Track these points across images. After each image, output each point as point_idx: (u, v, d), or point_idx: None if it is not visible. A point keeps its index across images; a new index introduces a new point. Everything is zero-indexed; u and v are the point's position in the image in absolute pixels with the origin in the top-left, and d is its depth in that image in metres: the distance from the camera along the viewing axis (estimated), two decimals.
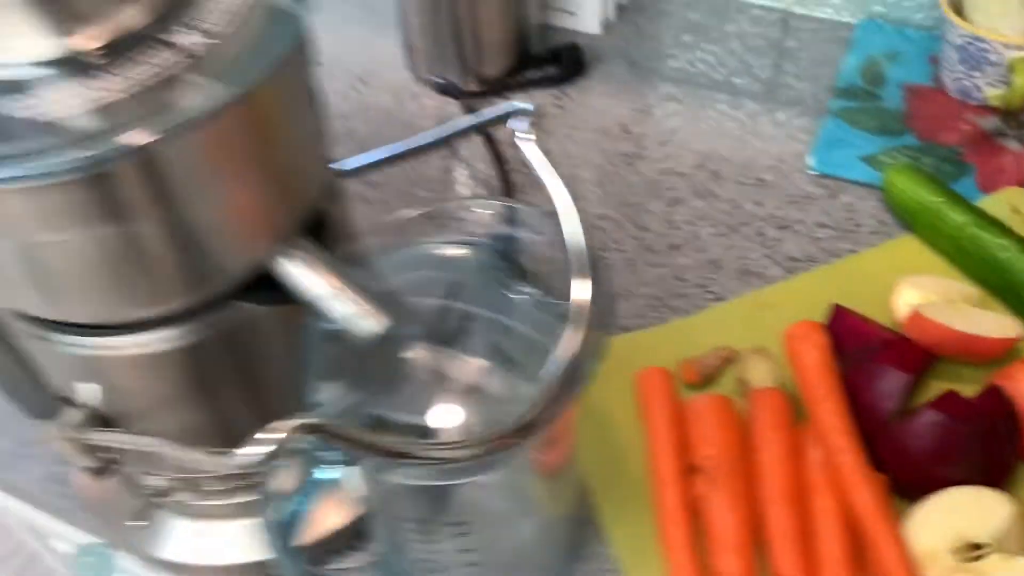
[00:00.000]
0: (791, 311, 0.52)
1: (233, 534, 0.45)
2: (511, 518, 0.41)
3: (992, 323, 0.49)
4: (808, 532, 0.43)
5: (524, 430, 0.31)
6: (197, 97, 0.29)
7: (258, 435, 0.28)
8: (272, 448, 0.27)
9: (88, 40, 0.29)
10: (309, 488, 0.33)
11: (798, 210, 0.60)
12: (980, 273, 0.53)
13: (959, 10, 0.63)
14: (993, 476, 0.43)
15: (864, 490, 0.42)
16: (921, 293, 0.50)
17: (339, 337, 0.35)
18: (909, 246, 0.57)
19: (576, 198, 0.35)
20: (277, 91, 0.32)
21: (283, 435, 0.27)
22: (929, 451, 0.43)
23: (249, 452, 0.28)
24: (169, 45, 0.29)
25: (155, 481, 0.42)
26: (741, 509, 0.44)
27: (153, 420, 0.38)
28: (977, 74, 0.63)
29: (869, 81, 0.68)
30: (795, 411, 0.47)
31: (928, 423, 0.43)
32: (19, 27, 0.29)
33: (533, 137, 0.34)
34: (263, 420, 0.28)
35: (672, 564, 0.43)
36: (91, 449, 0.39)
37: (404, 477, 0.33)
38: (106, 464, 0.40)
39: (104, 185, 0.29)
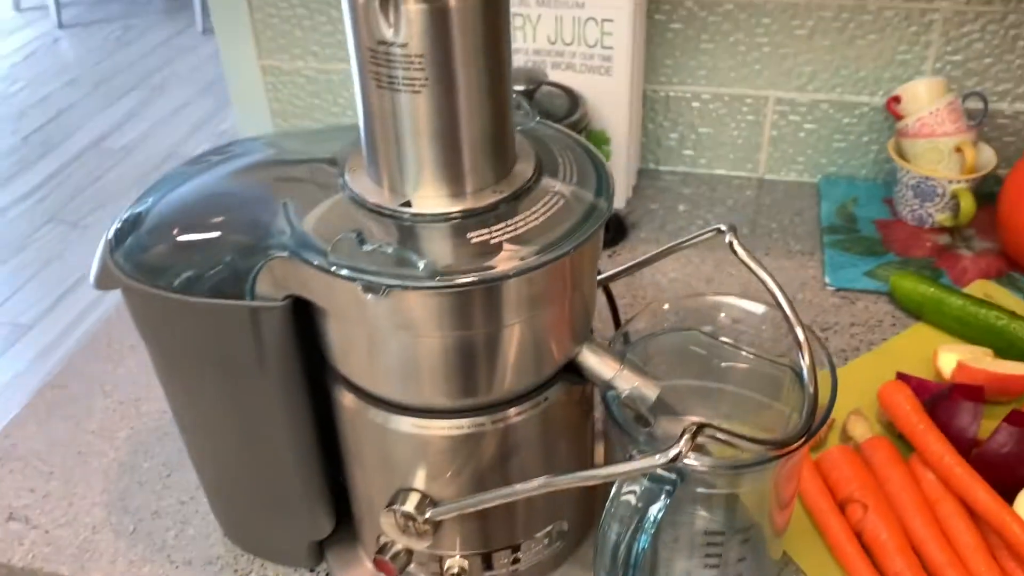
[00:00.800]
0: (859, 386, 0.67)
1: None
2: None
3: (1014, 367, 0.66)
4: (944, 531, 0.56)
5: (801, 436, 0.44)
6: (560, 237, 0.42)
7: (661, 448, 0.39)
8: (679, 450, 0.39)
9: (483, 198, 0.43)
10: (648, 525, 0.44)
11: (832, 316, 0.77)
12: (984, 339, 0.71)
13: (904, 158, 0.85)
14: None
15: (980, 489, 0.56)
16: (957, 354, 0.67)
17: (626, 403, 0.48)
18: (922, 330, 0.75)
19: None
20: (596, 238, 0.45)
21: (688, 435, 0.39)
22: (1013, 454, 0.58)
23: (650, 460, 0.40)
24: (543, 193, 0.43)
25: (455, 562, 0.51)
26: (891, 524, 0.57)
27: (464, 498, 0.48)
28: (929, 204, 0.84)
29: (845, 220, 0.88)
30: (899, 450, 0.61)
31: (1007, 434, 0.58)
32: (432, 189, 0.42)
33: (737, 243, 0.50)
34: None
35: (853, 572, 0.55)
36: (417, 532, 0.48)
37: (722, 484, 0.45)
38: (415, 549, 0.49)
39: (483, 298, 0.41)
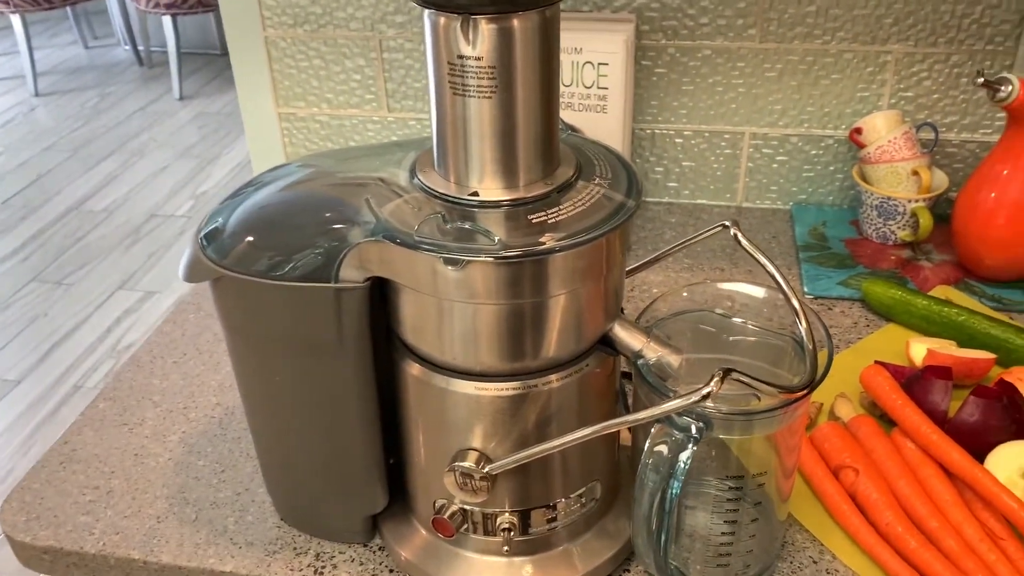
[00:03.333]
0: (842, 376, 0.76)
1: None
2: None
3: (975, 353, 0.75)
4: (926, 490, 0.64)
5: (805, 387, 0.52)
6: (601, 219, 0.51)
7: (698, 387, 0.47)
8: (711, 389, 0.47)
9: (537, 187, 0.51)
10: (679, 471, 0.51)
11: None
12: (948, 334, 0.80)
13: (867, 182, 0.95)
14: (1020, 432, 0.67)
15: (955, 452, 0.64)
16: (926, 345, 0.76)
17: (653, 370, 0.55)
18: (893, 329, 0.84)
19: None
20: (626, 229, 0.53)
21: (718, 377, 0.47)
22: (980, 422, 0.66)
23: (687, 399, 0.47)
24: (586, 187, 0.52)
25: (507, 518, 0.57)
26: (880, 485, 0.64)
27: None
28: (891, 222, 0.94)
29: (817, 239, 0.98)
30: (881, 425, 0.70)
31: (974, 405, 0.67)
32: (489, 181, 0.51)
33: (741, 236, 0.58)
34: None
35: (849, 527, 0.63)
36: (474, 489, 0.55)
37: (741, 428, 0.53)
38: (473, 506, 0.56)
39: (537, 269, 0.49)
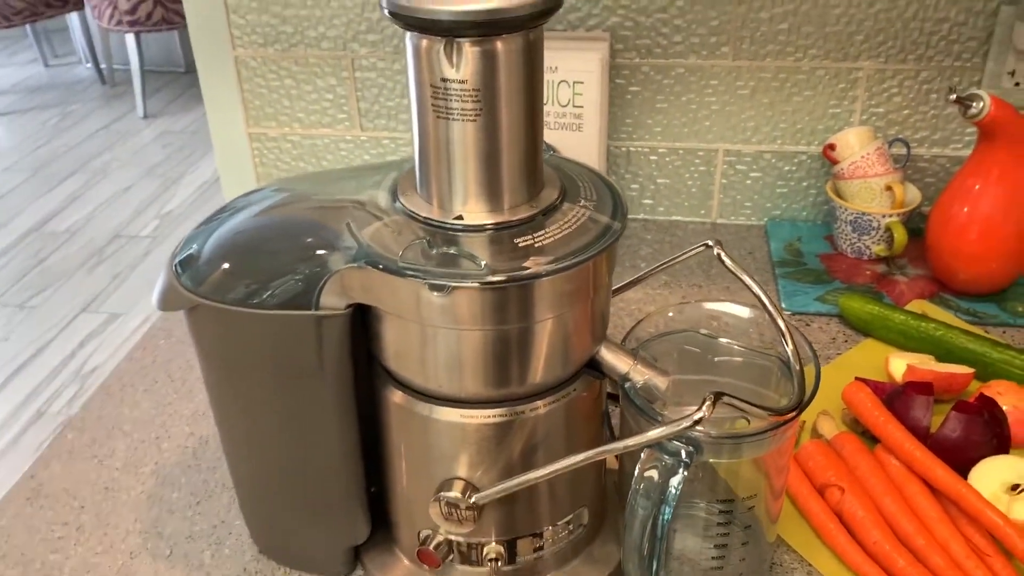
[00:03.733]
0: (823, 392, 0.76)
1: None
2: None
3: (955, 368, 0.75)
4: (912, 508, 0.64)
5: (795, 409, 0.51)
6: (587, 243, 0.50)
7: (686, 413, 0.46)
8: (702, 414, 0.46)
9: (519, 212, 0.50)
10: (670, 497, 0.50)
11: None
12: (925, 348, 0.81)
13: (841, 198, 0.96)
14: (1001, 447, 0.67)
15: (938, 468, 0.64)
16: (905, 360, 0.76)
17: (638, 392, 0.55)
18: (871, 344, 0.84)
19: None
20: (612, 252, 0.53)
21: (709, 401, 0.46)
22: (962, 437, 0.67)
23: (678, 425, 0.47)
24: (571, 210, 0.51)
25: (494, 550, 0.56)
26: (866, 502, 0.64)
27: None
28: (866, 238, 0.94)
29: (793, 255, 0.98)
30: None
31: (956, 420, 0.67)
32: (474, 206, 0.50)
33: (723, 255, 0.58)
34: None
35: (836, 546, 0.62)
36: (459, 519, 0.54)
37: (729, 453, 0.52)
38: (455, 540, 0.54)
39: (524, 294, 0.48)
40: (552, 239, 0.49)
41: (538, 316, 0.49)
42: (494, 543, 0.56)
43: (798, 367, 0.53)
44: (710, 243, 0.59)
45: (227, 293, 0.51)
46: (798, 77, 0.97)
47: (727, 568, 0.58)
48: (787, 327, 0.55)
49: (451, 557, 0.57)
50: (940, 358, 0.79)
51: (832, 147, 0.95)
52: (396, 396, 0.53)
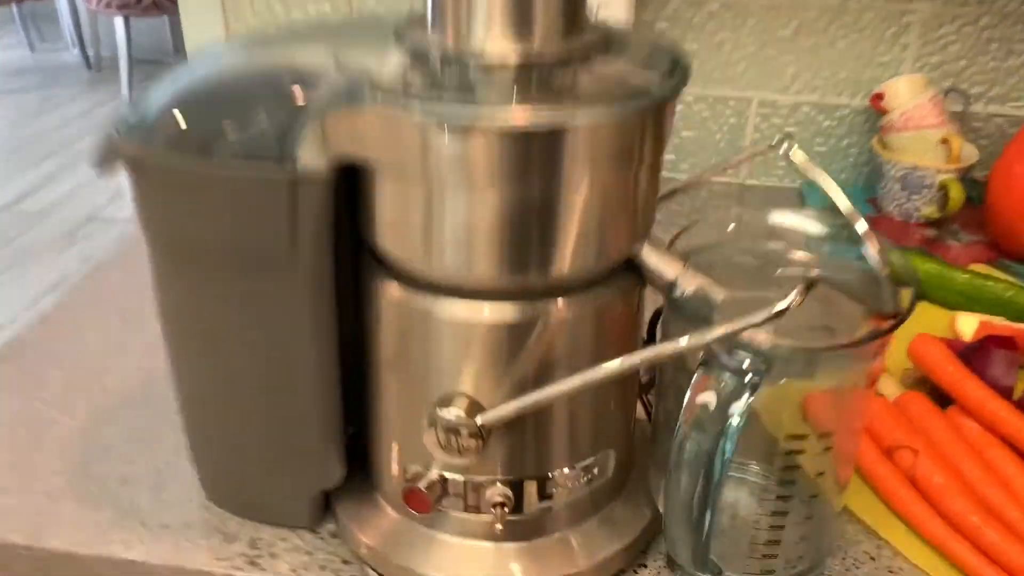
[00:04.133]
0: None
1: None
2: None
3: None
4: (993, 475, 0.53)
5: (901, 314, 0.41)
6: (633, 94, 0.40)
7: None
8: (789, 303, 0.35)
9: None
10: (731, 430, 0.39)
11: None
12: (993, 311, 0.70)
13: (889, 152, 0.86)
14: None
15: None
16: (974, 318, 0.66)
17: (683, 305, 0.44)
18: (927, 308, 0.73)
19: None
20: (671, 107, 0.42)
21: (802, 286, 0.35)
22: None
23: (753, 317, 0.36)
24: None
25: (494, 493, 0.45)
26: (945, 467, 0.53)
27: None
28: (916, 197, 0.84)
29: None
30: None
31: None
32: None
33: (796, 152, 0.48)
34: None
35: (912, 517, 0.51)
36: (459, 448, 0.42)
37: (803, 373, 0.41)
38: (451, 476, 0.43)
39: (548, 145, 0.37)
40: (591, 86, 0.39)
41: (568, 178, 0.38)
42: (500, 484, 0.45)
43: (886, 271, 0.43)
44: (783, 137, 0.49)
45: (178, 143, 0.40)
46: (845, 19, 0.87)
47: (786, 535, 0.46)
48: (871, 230, 0.44)
49: (445, 500, 0.45)
50: (1008, 320, 0.69)
51: (880, 96, 0.85)
52: (391, 289, 0.42)
